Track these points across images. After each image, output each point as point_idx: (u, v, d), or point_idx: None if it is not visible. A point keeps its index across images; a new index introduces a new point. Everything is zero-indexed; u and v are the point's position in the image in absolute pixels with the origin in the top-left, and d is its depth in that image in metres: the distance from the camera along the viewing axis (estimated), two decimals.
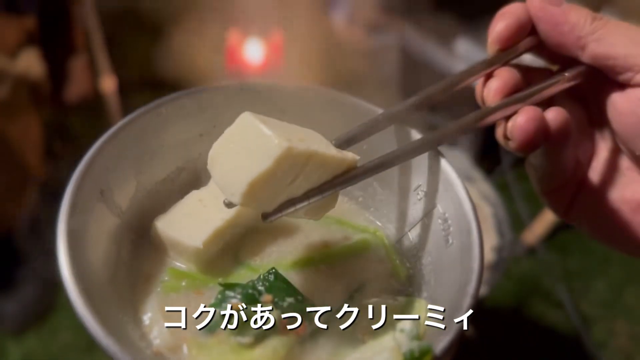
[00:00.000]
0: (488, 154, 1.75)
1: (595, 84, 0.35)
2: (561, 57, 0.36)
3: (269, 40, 2.05)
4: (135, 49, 2.22)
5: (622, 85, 0.33)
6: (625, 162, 0.36)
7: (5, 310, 1.29)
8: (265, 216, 0.36)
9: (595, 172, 0.37)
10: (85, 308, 0.33)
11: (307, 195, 0.36)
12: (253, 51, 2.03)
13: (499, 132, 0.35)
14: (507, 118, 0.35)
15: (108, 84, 1.48)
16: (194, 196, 0.45)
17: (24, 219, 1.30)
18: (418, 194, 0.43)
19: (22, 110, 1.17)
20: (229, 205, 0.37)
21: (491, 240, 0.97)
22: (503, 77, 0.35)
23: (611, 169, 0.37)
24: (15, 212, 1.27)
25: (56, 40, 1.42)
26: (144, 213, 0.44)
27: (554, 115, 0.33)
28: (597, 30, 0.33)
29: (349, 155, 0.38)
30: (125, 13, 2.41)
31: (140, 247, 0.43)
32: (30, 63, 1.15)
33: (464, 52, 1.53)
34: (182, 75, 2.12)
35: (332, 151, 0.37)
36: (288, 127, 0.38)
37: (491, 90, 0.36)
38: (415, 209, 0.43)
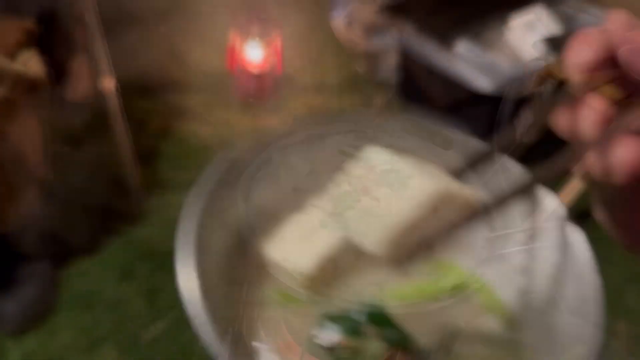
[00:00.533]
0: (484, 156, 1.76)
1: None
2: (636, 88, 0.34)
3: (269, 41, 2.05)
4: (137, 49, 2.23)
5: None
6: None
7: (4, 310, 1.29)
8: (399, 262, 0.35)
9: None
10: (210, 327, 0.34)
11: (439, 236, 0.35)
12: (253, 52, 2.04)
13: (593, 167, 0.33)
14: (602, 151, 0.32)
15: (108, 84, 1.48)
16: (301, 218, 0.45)
17: (24, 219, 1.30)
18: (522, 236, 0.42)
19: (22, 109, 1.17)
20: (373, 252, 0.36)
21: None
22: (597, 108, 0.32)
23: None
24: (15, 212, 1.27)
25: (56, 40, 1.42)
26: (254, 234, 0.45)
27: None
28: None
29: (473, 192, 0.37)
30: (126, 13, 2.42)
31: (249, 268, 0.45)
32: (30, 63, 1.16)
33: (464, 53, 1.54)
34: (184, 76, 2.13)
35: (463, 190, 0.36)
36: (415, 163, 0.36)
37: (587, 121, 0.33)
38: (519, 253, 0.42)
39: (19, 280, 1.33)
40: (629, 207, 0.34)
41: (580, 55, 0.32)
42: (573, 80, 0.33)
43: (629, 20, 0.32)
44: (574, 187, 1.54)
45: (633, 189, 0.32)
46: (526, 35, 1.57)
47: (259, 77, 2.07)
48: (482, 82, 1.51)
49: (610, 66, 0.32)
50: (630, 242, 0.37)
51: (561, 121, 0.35)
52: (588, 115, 0.33)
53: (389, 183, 0.34)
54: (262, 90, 2.07)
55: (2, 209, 1.23)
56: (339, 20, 2.08)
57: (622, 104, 0.33)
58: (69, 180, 1.68)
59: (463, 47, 1.53)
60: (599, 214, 0.36)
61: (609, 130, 0.32)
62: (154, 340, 1.33)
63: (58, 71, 1.32)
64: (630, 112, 0.32)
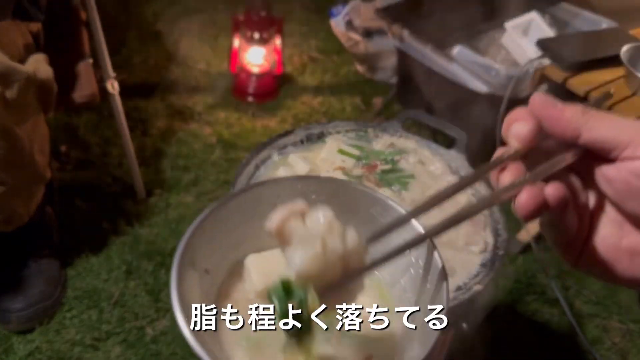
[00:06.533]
0: (484, 155, 1.78)
1: (589, 160, 0.44)
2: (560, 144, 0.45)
3: (269, 41, 2.07)
4: (140, 52, 2.24)
5: (612, 160, 0.42)
6: (619, 218, 0.44)
7: (12, 307, 1.30)
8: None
9: (597, 228, 0.45)
10: (195, 342, 0.47)
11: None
12: (253, 52, 2.05)
13: (512, 205, 0.43)
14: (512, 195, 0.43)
15: (113, 86, 1.50)
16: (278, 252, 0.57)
17: (31, 218, 1.31)
18: (405, 252, 0.57)
19: (30, 111, 1.17)
20: None
21: (487, 239, 0.99)
22: (512, 173, 0.44)
23: (610, 225, 0.45)
24: (23, 211, 1.27)
25: (62, 44, 1.43)
26: (228, 272, 0.62)
27: (552, 191, 0.42)
28: (587, 121, 0.42)
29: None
30: (130, 16, 2.43)
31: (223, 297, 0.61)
32: (38, 65, 1.16)
33: (460, 55, 1.56)
34: (185, 76, 2.15)
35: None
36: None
37: (503, 182, 0.44)
38: (404, 262, 0.59)
39: (26, 278, 1.34)
40: (559, 231, 0.45)
41: (519, 129, 0.44)
42: (512, 147, 0.44)
43: (546, 100, 0.43)
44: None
45: (556, 216, 0.43)
46: (521, 38, 1.60)
47: (259, 77, 2.08)
48: (479, 84, 1.53)
49: (538, 135, 0.43)
50: (570, 259, 0.47)
51: (492, 178, 0.46)
52: (504, 178, 0.44)
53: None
54: (262, 90, 2.09)
55: (10, 208, 1.24)
56: (338, 21, 2.10)
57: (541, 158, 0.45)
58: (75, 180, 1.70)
59: (459, 50, 1.55)
60: (546, 238, 0.47)
61: (518, 181, 0.43)
62: (158, 335, 1.34)
63: (64, 74, 1.33)
64: (539, 166, 0.44)
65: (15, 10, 1.15)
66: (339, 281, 0.49)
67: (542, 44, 1.40)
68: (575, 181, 0.45)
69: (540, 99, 0.43)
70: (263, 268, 0.59)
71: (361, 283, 0.54)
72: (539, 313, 1.48)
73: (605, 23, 1.67)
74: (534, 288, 1.53)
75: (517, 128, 0.44)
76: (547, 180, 0.43)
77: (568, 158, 0.44)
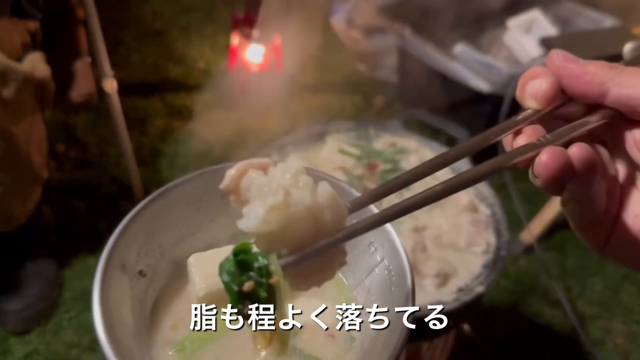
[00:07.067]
0: (486, 155, 1.77)
1: (618, 124, 0.38)
2: (583, 109, 0.39)
3: (269, 40, 2.05)
4: (138, 51, 2.23)
5: None
6: None
7: (9, 308, 1.29)
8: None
9: (628, 207, 0.39)
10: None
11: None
12: (253, 51, 2.04)
13: (530, 173, 0.37)
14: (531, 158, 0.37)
15: (110, 85, 1.48)
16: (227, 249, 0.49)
17: (28, 218, 1.30)
18: (370, 249, 0.52)
19: (27, 110, 1.17)
20: None
21: (489, 240, 0.98)
22: (529, 136, 0.38)
23: None
24: (20, 211, 1.26)
25: (60, 43, 1.42)
26: (170, 273, 0.55)
27: (577, 151, 0.35)
28: (615, 76, 0.36)
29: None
30: (128, 15, 2.42)
31: (161, 303, 0.54)
32: (36, 64, 1.16)
33: (462, 54, 1.55)
34: (185, 76, 2.14)
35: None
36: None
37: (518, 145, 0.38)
38: (369, 261, 0.52)
39: (24, 279, 1.34)
40: (584, 208, 0.38)
41: (536, 86, 0.38)
42: (530, 108, 0.38)
43: (565, 55, 0.37)
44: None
45: (583, 187, 0.36)
46: (523, 36, 1.58)
47: (259, 76, 2.07)
48: (481, 83, 1.52)
49: (558, 93, 0.38)
50: (597, 244, 0.40)
51: (506, 144, 0.40)
52: (519, 141, 0.38)
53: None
54: (261, 88, 2.08)
55: (7, 208, 1.23)
56: (339, 19, 2.09)
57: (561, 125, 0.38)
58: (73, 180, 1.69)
59: (461, 49, 1.53)
60: (569, 219, 0.40)
61: (537, 142, 0.37)
62: None
63: (62, 73, 1.32)
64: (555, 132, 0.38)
65: (14, 8, 1.14)
66: (314, 246, 0.39)
67: (545, 42, 1.39)
68: (602, 151, 0.38)
69: (559, 54, 0.37)
70: (207, 269, 0.50)
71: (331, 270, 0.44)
72: (541, 314, 1.47)
73: (607, 21, 1.66)
74: (536, 289, 1.52)
75: (534, 85, 0.38)
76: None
77: (593, 120, 0.37)
